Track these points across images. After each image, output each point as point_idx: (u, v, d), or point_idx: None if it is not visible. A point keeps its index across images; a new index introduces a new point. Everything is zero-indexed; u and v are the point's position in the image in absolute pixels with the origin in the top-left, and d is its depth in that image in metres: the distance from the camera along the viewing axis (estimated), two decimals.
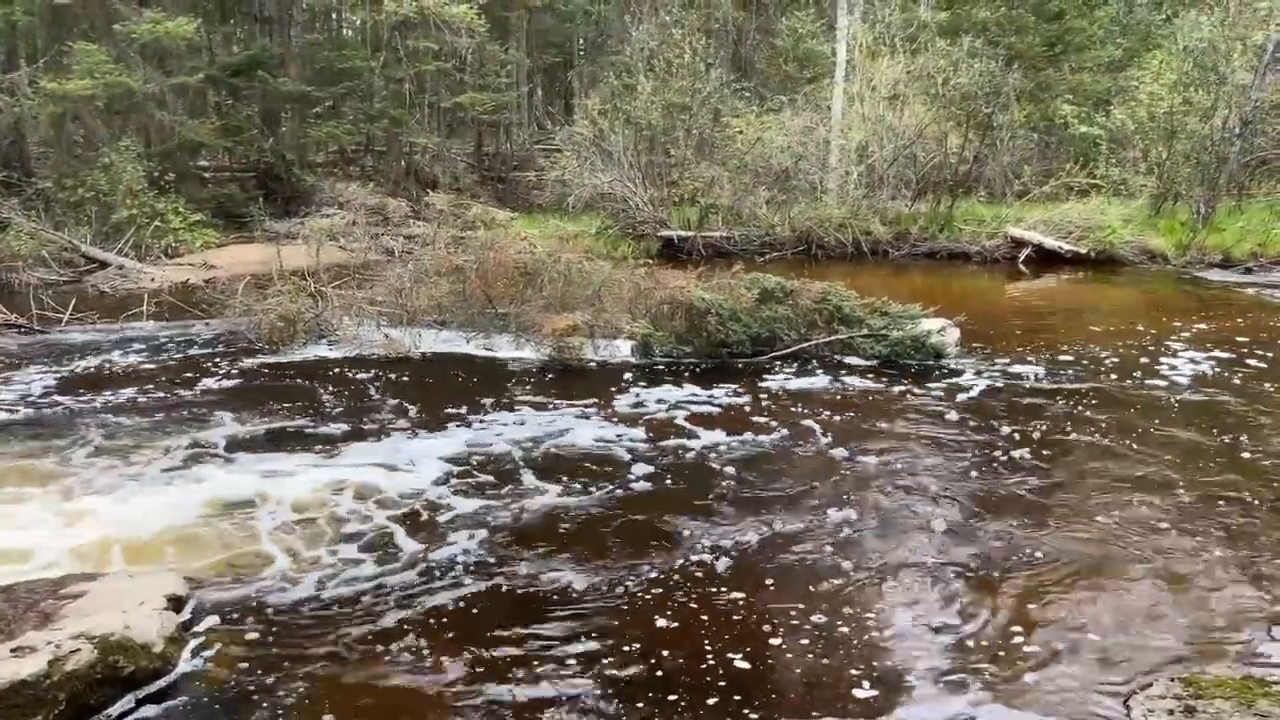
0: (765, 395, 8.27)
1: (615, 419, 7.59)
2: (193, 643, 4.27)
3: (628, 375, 9.13)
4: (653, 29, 19.15)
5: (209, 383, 8.66)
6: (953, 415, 7.59)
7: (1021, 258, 16.80)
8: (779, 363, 9.46)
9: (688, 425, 7.40)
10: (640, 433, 7.23)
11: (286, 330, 9.90)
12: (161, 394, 8.28)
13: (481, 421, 7.50)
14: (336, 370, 9.28)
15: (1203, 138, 17.11)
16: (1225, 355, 9.69)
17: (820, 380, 8.80)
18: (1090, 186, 18.57)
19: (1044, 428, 7.26)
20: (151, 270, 15.56)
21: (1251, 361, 9.44)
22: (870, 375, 8.97)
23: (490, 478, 6.30)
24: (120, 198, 16.54)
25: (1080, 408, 7.80)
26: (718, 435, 7.15)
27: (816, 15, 23.20)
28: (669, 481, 6.21)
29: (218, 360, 9.57)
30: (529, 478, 6.29)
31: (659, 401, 8.09)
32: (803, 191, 18.64)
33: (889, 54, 19.76)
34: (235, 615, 4.49)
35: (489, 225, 10.62)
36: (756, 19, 24.89)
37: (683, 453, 6.76)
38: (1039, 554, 5.07)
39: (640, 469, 6.40)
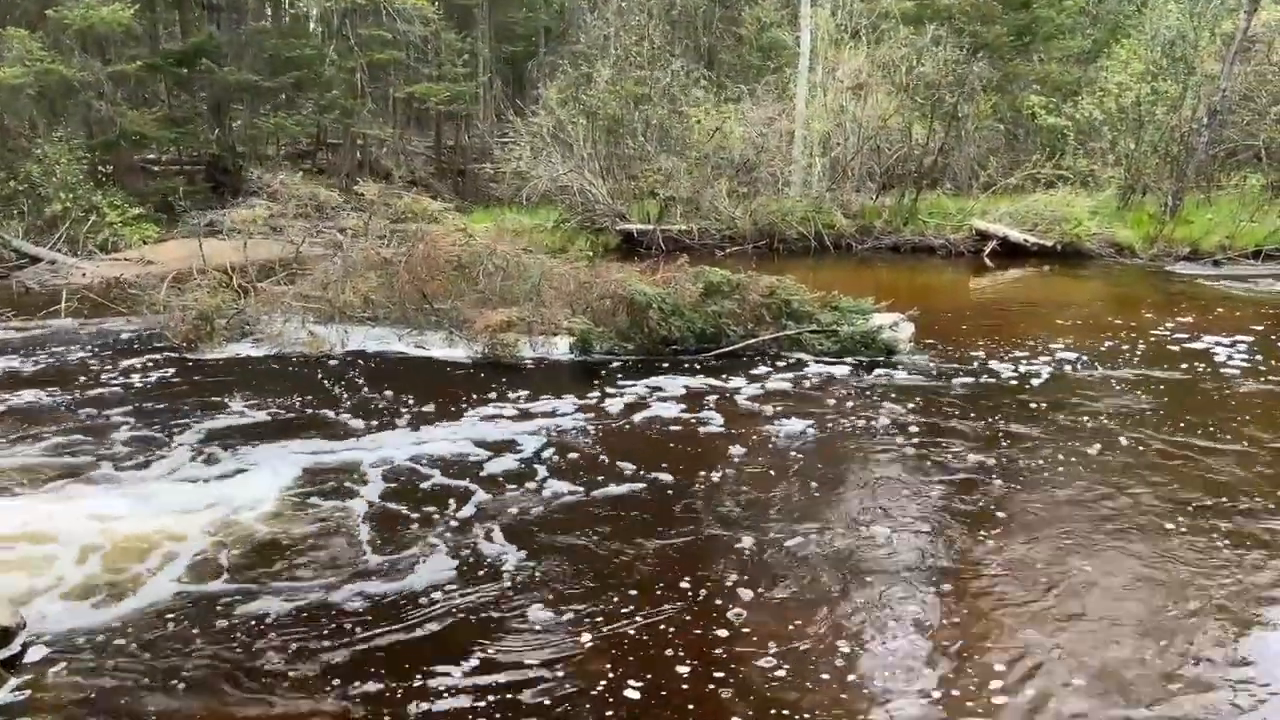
0: (706, 395, 7.78)
1: (538, 423, 7.08)
2: (13, 681, 3.76)
3: (563, 374, 8.63)
4: (611, 16, 18.62)
5: (103, 388, 8.07)
6: (895, 418, 7.14)
7: (987, 251, 16.39)
8: (724, 360, 8.98)
9: (613, 427, 6.92)
10: (565, 435, 6.73)
11: (203, 328, 9.32)
12: (50, 399, 7.70)
13: (385, 428, 6.94)
14: (251, 369, 8.73)
15: (1171, 128, 16.77)
16: (1194, 349, 9.29)
17: (764, 379, 8.32)
18: (1057, 178, 18.19)
19: (993, 429, 6.82)
20: (85, 266, 14.88)
21: (1219, 357, 9.04)
22: (815, 374, 8.50)
23: (377, 497, 5.79)
24: (53, 190, 15.86)
25: (1037, 407, 7.36)
26: (645, 440, 6.66)
27: (781, 3, 22.66)
28: (581, 494, 5.71)
29: (125, 360, 8.99)
30: (384, 492, 5.77)
31: (586, 402, 7.59)
32: (765, 184, 18.16)
33: (852, 43, 19.31)
34: (74, 648, 3.97)
35: (420, 216, 10.08)
36: (721, 8, 24.36)
37: (593, 459, 6.27)
38: (988, 568, 4.62)
39: (554, 484, 5.89)
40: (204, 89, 20.10)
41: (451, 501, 5.56)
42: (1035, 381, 8.14)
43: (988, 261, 16.13)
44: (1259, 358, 8.98)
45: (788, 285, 9.45)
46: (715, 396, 7.74)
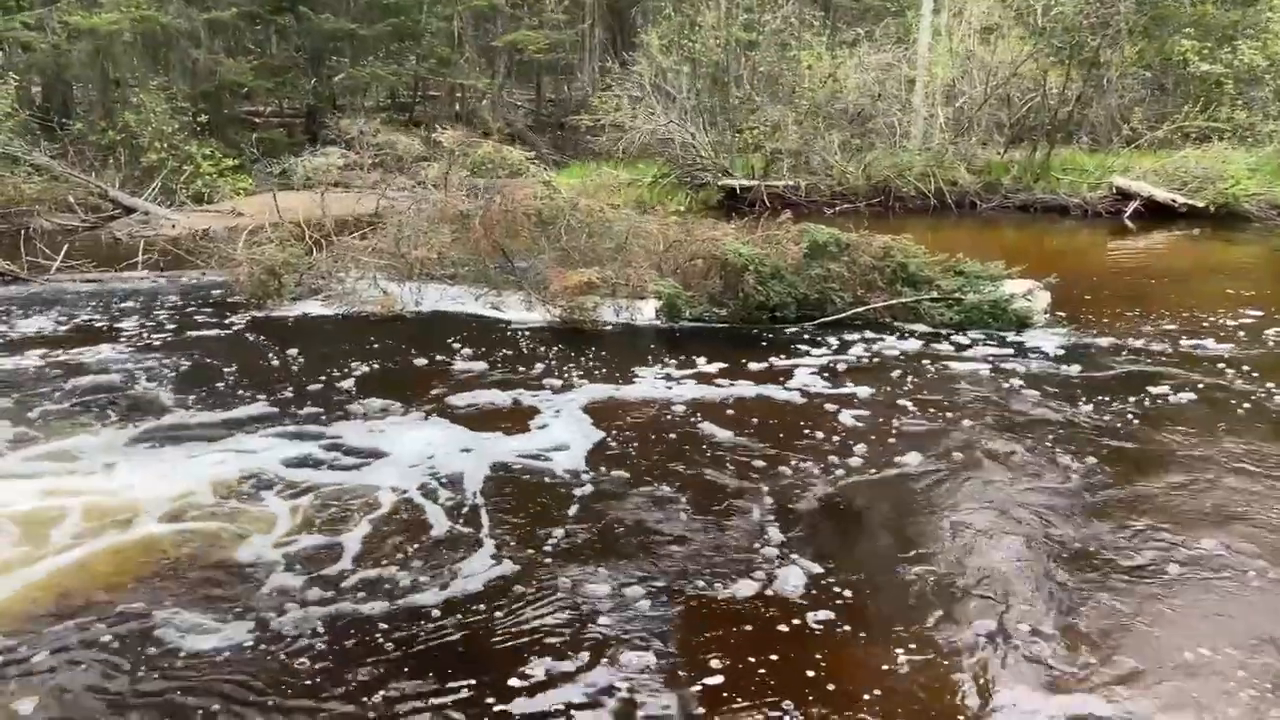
0: (802, 374, 6.81)
1: (595, 407, 6.24)
2: None
3: (643, 343, 7.78)
4: None
5: (154, 346, 7.56)
6: (1037, 404, 6.07)
7: (1128, 212, 14.79)
8: (829, 330, 7.99)
9: (691, 418, 6.01)
10: (621, 432, 5.85)
11: (270, 284, 8.79)
12: (103, 356, 7.23)
13: (419, 410, 6.07)
14: (312, 329, 8.15)
15: None
16: None
17: (878, 352, 7.32)
18: (1210, 132, 16.33)
19: (1147, 422, 5.70)
20: (176, 217, 14.67)
21: None
22: (937, 348, 7.44)
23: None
24: (149, 140, 15.70)
25: (1196, 398, 6.18)
26: (732, 433, 5.75)
27: None
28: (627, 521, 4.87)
29: (190, 316, 8.54)
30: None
31: (665, 380, 6.71)
32: (881, 137, 16.82)
33: None
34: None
35: (500, 166, 9.32)
36: None
37: (670, 464, 5.41)
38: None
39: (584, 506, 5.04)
40: (302, 37, 19.72)
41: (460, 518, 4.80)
42: (1183, 363, 6.92)
43: (1129, 223, 14.56)
44: None
45: (905, 246, 8.36)
46: (812, 374, 6.76)
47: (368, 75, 19.21)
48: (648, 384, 6.58)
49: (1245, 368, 6.77)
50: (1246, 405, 5.98)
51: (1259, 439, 5.42)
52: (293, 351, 7.32)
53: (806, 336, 7.86)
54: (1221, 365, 6.87)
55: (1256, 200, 14.37)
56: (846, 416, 5.86)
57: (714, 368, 6.91)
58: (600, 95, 18.02)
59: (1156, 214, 14.51)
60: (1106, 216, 14.93)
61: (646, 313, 8.43)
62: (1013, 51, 16.83)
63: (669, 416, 5.92)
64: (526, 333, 8.09)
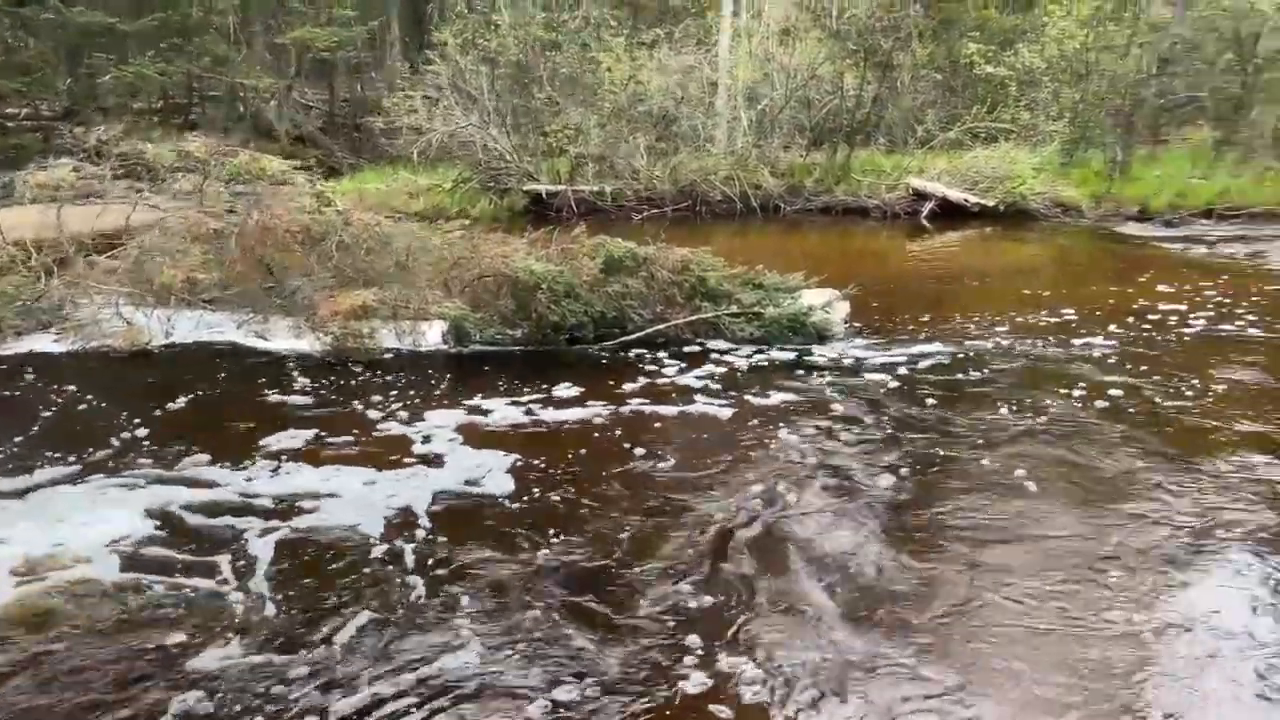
0: (594, 399, 6.28)
1: (375, 449, 5.52)
2: None
3: (426, 372, 7.06)
4: None
5: None
6: (835, 425, 5.74)
7: (925, 212, 15.10)
8: (627, 350, 7.50)
9: (466, 448, 5.39)
10: (410, 471, 5.17)
11: None
12: None
13: (129, 469, 5.24)
14: (45, 370, 6.98)
15: (1117, 78, 15.58)
16: (1167, 322, 8.08)
17: (672, 373, 6.86)
18: (998, 133, 16.94)
19: (944, 438, 5.45)
20: None
21: (1192, 331, 7.85)
22: (734, 365, 7.06)
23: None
24: None
25: (993, 406, 6.02)
26: (521, 461, 5.16)
27: None
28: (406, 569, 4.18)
29: None
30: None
31: (446, 413, 6.04)
32: (686, 140, 16.58)
33: None
34: None
35: (259, 177, 8.35)
36: None
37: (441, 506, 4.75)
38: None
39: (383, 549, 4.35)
40: (54, 32, 17.69)
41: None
42: (988, 369, 6.82)
43: (926, 223, 14.85)
44: (1229, 328, 7.79)
45: (703, 260, 7.96)
46: (604, 400, 6.24)
47: (130, 75, 17.41)
48: (440, 416, 5.93)
49: (1047, 367, 6.72)
50: (1045, 406, 5.85)
51: (1050, 442, 5.25)
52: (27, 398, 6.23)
53: (606, 357, 7.37)
54: (1020, 366, 6.81)
55: (1041, 198, 14.93)
56: (639, 446, 5.35)
57: (501, 399, 6.28)
58: (395, 96, 16.99)
59: (951, 214, 14.85)
60: (905, 217, 15.19)
61: (431, 337, 7.70)
62: (810, 54, 16.94)
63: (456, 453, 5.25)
64: (294, 364, 7.21)
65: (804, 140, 17.15)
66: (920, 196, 15.25)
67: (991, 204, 14.72)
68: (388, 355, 7.45)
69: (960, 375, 6.79)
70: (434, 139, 15.86)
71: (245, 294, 8.22)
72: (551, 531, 4.40)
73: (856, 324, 8.09)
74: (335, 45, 18.75)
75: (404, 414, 6.02)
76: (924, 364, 7.02)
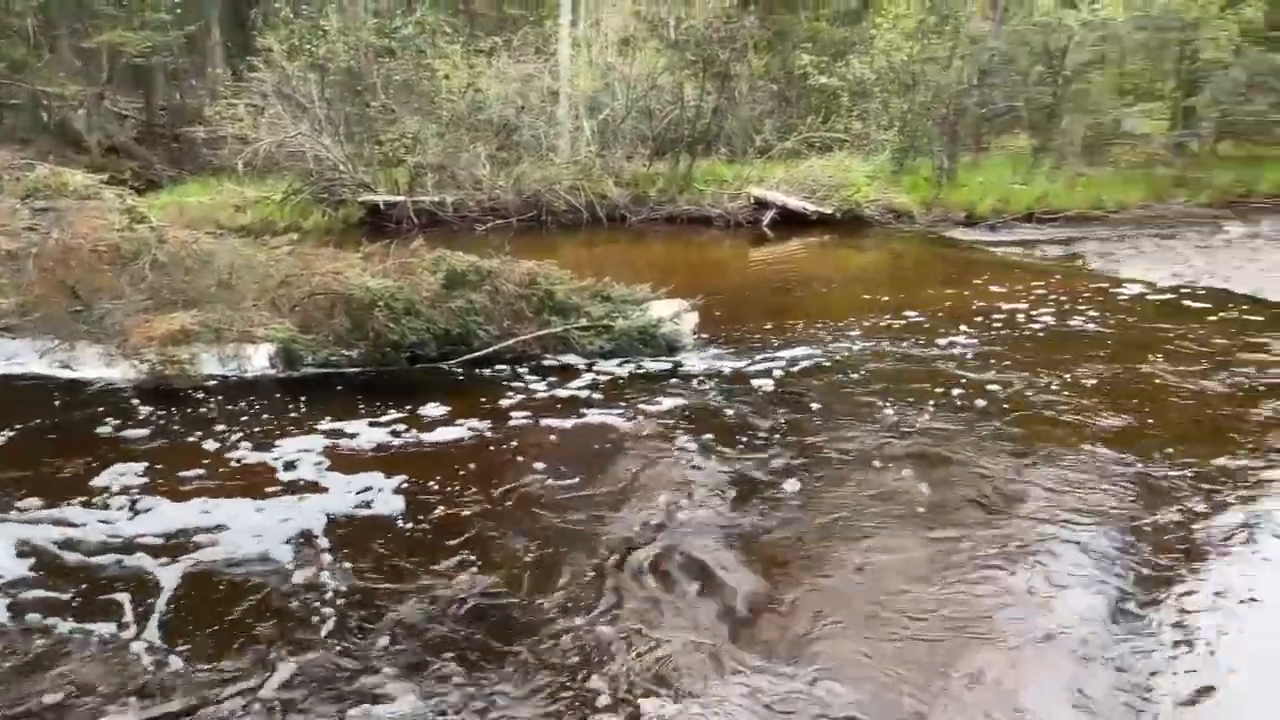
0: (469, 417, 5.99)
1: (237, 480, 5.06)
2: None
3: (263, 398, 6.58)
4: None
5: None
6: (709, 435, 5.62)
7: (766, 220, 15.35)
8: (475, 368, 7.22)
9: (304, 478, 5.02)
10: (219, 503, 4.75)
11: None
12: None
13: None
14: None
15: (942, 89, 16.28)
16: (1015, 322, 8.38)
17: (544, 390, 6.62)
18: (833, 142, 17.43)
19: (799, 445, 5.43)
20: None
21: (1040, 326, 8.18)
22: (587, 380, 6.88)
23: None
24: None
25: (844, 409, 6.05)
26: (409, 482, 4.84)
27: None
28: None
29: None
30: None
31: (302, 439, 5.62)
32: (529, 149, 16.31)
33: None
34: None
35: (59, 193, 7.64)
36: None
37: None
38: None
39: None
40: None
41: None
42: (850, 372, 6.88)
43: (767, 232, 15.10)
44: (1076, 324, 8.17)
45: (550, 273, 7.74)
46: (479, 417, 5.95)
47: None
48: (295, 442, 5.52)
49: (910, 368, 6.81)
50: (912, 407, 5.91)
51: (929, 443, 5.30)
52: None
53: (462, 375, 7.08)
54: (883, 367, 6.91)
55: (876, 205, 15.41)
56: (490, 465, 5.09)
57: (359, 421, 5.93)
58: (218, 104, 16.04)
59: (791, 222, 15.14)
60: (747, 226, 15.39)
61: (259, 361, 7.20)
62: (650, 64, 16.99)
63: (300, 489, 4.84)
64: (110, 394, 6.60)
65: (647, 150, 17.16)
66: (761, 205, 15.50)
67: (830, 211, 15.09)
68: (211, 382, 6.92)
69: (820, 380, 6.84)
70: (261, 149, 15.04)
71: (48, 320, 7.47)
72: (452, 560, 4.16)
73: (706, 334, 8.04)
74: (150, 50, 17.57)
75: (248, 443, 5.60)
76: (780, 371, 7.03)
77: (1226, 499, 4.80)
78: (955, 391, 6.52)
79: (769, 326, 8.50)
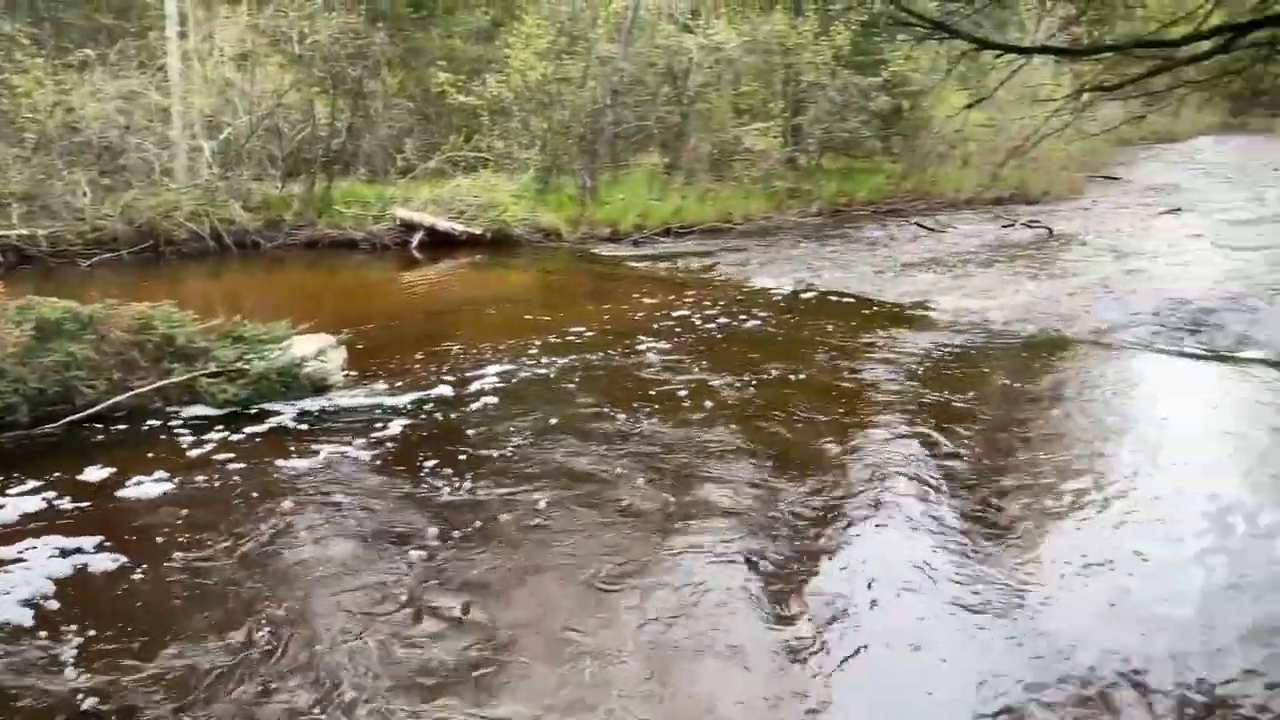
0: (139, 474, 5.02)
1: None
2: None
3: None
4: None
5: None
6: (373, 481, 5.12)
7: (415, 243, 14.82)
8: (78, 431, 6.17)
9: None
10: None
11: None
12: None
13: None
14: None
15: (578, 108, 16.61)
16: (694, 328, 8.57)
17: (146, 450, 5.74)
18: (477, 161, 17.22)
19: (462, 486, 5.12)
20: None
21: (713, 329, 8.41)
22: (216, 436, 6.11)
23: None
24: None
25: (500, 435, 5.82)
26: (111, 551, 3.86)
27: None
28: None
29: None
30: None
31: None
32: (139, 173, 14.57)
33: (229, 5, 16.35)
34: None
35: None
36: None
37: None
38: None
39: None
40: None
41: None
42: (484, 401, 6.66)
43: (417, 254, 14.60)
44: (751, 325, 8.53)
45: (167, 314, 6.82)
46: (41, 504, 5.00)
47: None
48: None
49: (515, 395, 6.68)
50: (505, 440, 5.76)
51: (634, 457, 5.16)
52: None
53: (57, 440, 6.00)
54: (560, 388, 6.72)
55: (524, 224, 15.39)
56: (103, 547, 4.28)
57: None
58: None
59: (441, 243, 14.74)
60: (395, 248, 14.79)
61: None
62: (274, 80, 15.86)
63: None
64: None
65: (278, 171, 16.00)
66: (409, 227, 14.96)
67: (479, 232, 14.86)
68: None
69: (475, 408, 6.53)
70: None
71: None
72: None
73: (357, 369, 7.48)
74: None
75: None
76: (431, 404, 6.65)
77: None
78: (661, 397, 6.51)
79: (425, 355, 8.08)
